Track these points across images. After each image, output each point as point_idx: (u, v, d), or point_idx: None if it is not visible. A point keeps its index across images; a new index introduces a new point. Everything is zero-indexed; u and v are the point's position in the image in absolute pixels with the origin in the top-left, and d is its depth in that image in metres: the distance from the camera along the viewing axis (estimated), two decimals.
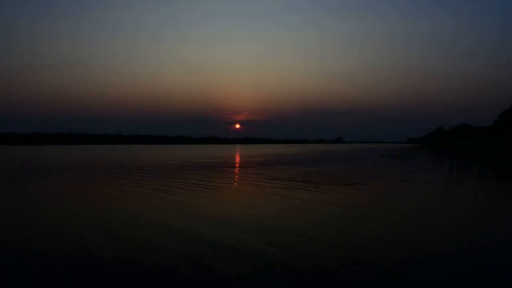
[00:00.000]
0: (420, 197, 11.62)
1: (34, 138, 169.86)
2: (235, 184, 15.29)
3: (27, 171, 21.53)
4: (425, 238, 6.63)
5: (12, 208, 9.69)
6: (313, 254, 5.67)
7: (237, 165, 27.74)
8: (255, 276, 4.79)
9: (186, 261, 5.32)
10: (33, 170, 22.21)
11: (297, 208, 9.54)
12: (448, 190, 13.48)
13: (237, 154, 54.22)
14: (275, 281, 4.64)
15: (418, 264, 5.20)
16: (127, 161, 32.28)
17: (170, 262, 5.26)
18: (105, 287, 4.44)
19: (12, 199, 11.33)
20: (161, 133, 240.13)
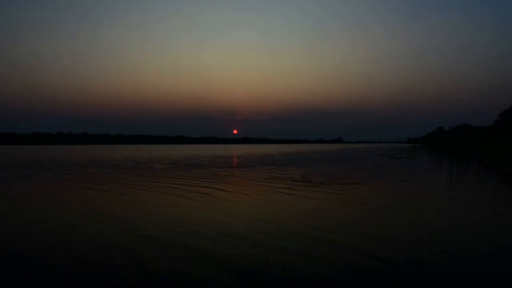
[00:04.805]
0: (420, 197, 11.60)
1: (34, 138, 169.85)
2: (235, 183, 15.25)
3: None
4: (426, 238, 6.62)
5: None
6: (314, 256, 5.66)
7: (236, 165, 27.71)
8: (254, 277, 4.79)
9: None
10: None
11: (296, 209, 9.53)
12: (448, 190, 13.46)
13: (237, 154, 54.16)
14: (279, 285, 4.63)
15: (425, 265, 5.19)
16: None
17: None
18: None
19: None
20: (161, 133, 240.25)
